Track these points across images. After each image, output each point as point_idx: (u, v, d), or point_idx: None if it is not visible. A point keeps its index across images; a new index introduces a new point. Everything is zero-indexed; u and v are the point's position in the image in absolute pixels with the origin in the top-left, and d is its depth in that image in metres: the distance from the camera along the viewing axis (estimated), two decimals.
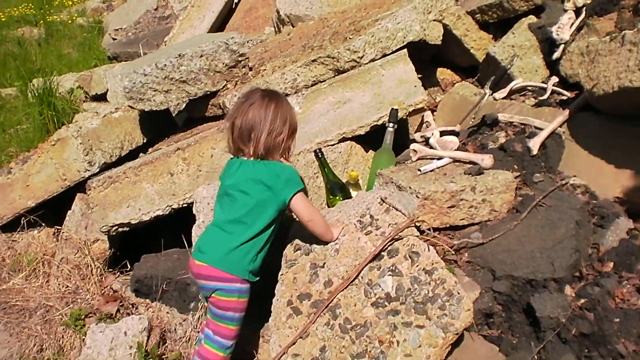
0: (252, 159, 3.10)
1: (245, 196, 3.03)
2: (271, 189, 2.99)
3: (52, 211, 4.96)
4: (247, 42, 4.91)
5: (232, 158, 3.25)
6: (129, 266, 4.43)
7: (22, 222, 4.74)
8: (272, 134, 3.08)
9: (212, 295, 3.02)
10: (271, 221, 3.05)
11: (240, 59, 4.63)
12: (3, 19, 14.11)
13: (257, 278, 3.09)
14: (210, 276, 3.01)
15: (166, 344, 3.82)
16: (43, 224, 4.81)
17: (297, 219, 3.20)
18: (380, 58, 4.31)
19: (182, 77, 4.52)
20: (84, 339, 3.87)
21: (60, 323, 4.04)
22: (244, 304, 3.06)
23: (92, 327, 3.75)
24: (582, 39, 4.10)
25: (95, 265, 4.44)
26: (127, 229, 4.25)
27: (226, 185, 3.16)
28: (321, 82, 4.32)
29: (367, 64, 4.28)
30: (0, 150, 6.86)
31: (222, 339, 3.05)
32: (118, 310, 4.09)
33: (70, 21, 13.01)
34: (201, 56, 4.50)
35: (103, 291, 4.29)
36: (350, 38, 4.35)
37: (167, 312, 3.96)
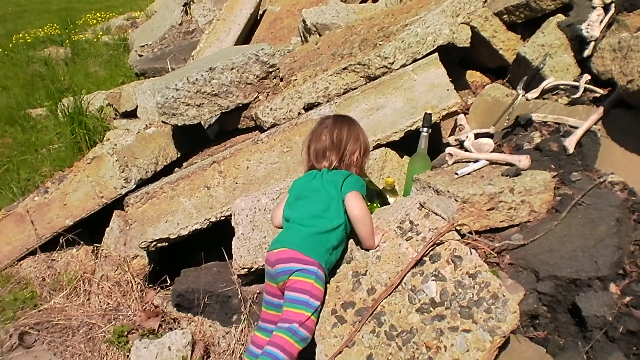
0: (326, 168, 3.27)
1: (320, 194, 3.16)
2: (337, 187, 3.12)
3: (89, 229, 4.99)
4: (277, 52, 4.93)
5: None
6: (168, 281, 4.44)
7: (60, 241, 4.77)
8: (347, 153, 3.29)
9: (290, 277, 3.02)
10: (342, 218, 3.12)
11: (270, 69, 4.65)
12: (29, 40, 14.27)
13: (326, 272, 3.12)
14: (292, 258, 3.05)
15: (210, 358, 3.84)
16: (81, 242, 4.83)
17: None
18: (411, 63, 4.32)
19: (213, 91, 4.55)
20: (127, 356, 3.90)
21: (103, 340, 4.06)
22: (320, 292, 3.04)
23: (136, 343, 3.78)
24: (612, 35, 4.08)
25: (135, 282, 4.47)
26: (166, 244, 4.28)
27: (300, 190, 3.30)
28: (353, 89, 4.34)
29: (398, 69, 4.29)
30: (34, 171, 6.93)
31: (296, 325, 2.95)
32: (160, 325, 4.11)
33: (95, 39, 13.16)
34: (232, 69, 4.53)
35: (144, 307, 4.31)
36: (380, 44, 4.36)
37: (210, 326, 3.97)
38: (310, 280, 3.00)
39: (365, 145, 3.41)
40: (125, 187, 4.62)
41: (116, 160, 4.57)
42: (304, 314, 2.96)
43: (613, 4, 4.29)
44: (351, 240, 3.23)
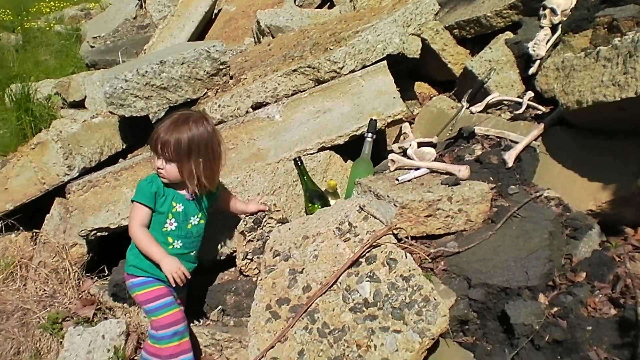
0: None
1: None
2: None
3: (30, 215, 4.94)
4: (229, 50, 4.93)
5: None
6: (106, 271, 4.42)
7: None
8: None
9: None
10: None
11: (221, 67, 4.65)
12: None
13: (150, 272, 3.35)
14: None
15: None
16: (21, 228, 4.77)
17: None
18: (360, 69, 4.36)
19: (163, 84, 4.53)
20: (61, 342, 3.87)
21: (37, 326, 4.03)
22: (143, 296, 3.34)
23: (70, 330, 3.76)
24: (557, 54, 4.18)
25: (72, 270, 4.43)
26: (106, 233, 4.25)
27: None
28: (301, 91, 4.36)
29: (347, 74, 4.32)
30: None
31: (149, 329, 3.37)
32: (95, 314, 4.09)
33: (47, 28, 13.00)
34: (182, 63, 4.53)
35: (80, 295, 4.29)
36: (330, 49, 4.39)
37: (144, 317, 3.97)
38: (133, 294, 3.43)
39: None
40: (68, 175, 4.57)
41: (60, 147, 4.53)
42: (151, 319, 3.35)
43: (560, 25, 4.38)
44: (289, 238, 3.27)
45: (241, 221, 3.72)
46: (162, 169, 3.27)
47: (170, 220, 3.35)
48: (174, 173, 3.27)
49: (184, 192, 3.38)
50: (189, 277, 3.30)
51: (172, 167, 3.25)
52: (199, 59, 4.58)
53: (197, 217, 3.43)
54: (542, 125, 3.78)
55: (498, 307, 2.91)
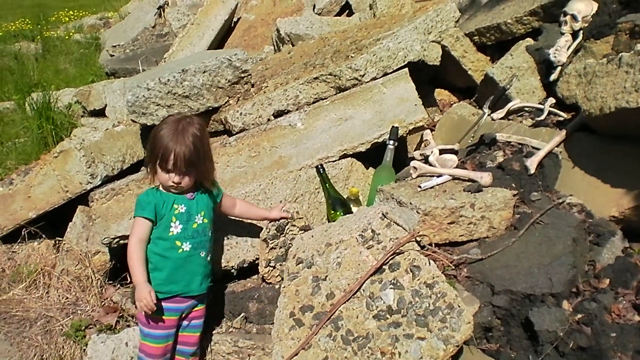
0: None
1: None
2: None
3: (52, 223, 4.97)
4: (250, 59, 4.95)
5: None
6: (129, 278, 4.42)
7: (22, 233, 4.73)
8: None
9: None
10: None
11: (242, 75, 4.66)
12: (0, 34, 14.16)
13: (158, 289, 3.38)
14: None
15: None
16: (43, 236, 4.79)
17: None
18: (381, 77, 4.37)
19: (184, 92, 4.55)
20: (84, 350, 3.91)
21: (60, 333, 4.06)
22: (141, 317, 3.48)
23: (93, 337, 3.78)
24: (579, 61, 4.16)
25: (95, 277, 4.45)
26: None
27: None
28: (323, 99, 4.38)
29: (368, 82, 4.33)
30: None
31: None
32: (118, 321, 4.12)
33: (67, 37, 13.09)
34: (204, 72, 4.54)
35: (103, 303, 4.31)
36: (352, 56, 4.40)
37: None
38: None
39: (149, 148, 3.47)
40: (90, 183, 4.60)
41: (83, 156, 4.55)
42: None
43: (581, 31, 4.37)
44: (312, 245, 3.28)
45: (264, 229, 3.74)
46: (179, 183, 3.31)
47: (175, 222, 3.37)
48: (189, 182, 3.35)
49: (185, 194, 3.42)
50: (154, 309, 3.28)
51: (189, 177, 3.32)
52: (220, 67, 4.59)
53: (201, 216, 3.44)
54: (564, 132, 3.77)
55: (522, 314, 2.91)
